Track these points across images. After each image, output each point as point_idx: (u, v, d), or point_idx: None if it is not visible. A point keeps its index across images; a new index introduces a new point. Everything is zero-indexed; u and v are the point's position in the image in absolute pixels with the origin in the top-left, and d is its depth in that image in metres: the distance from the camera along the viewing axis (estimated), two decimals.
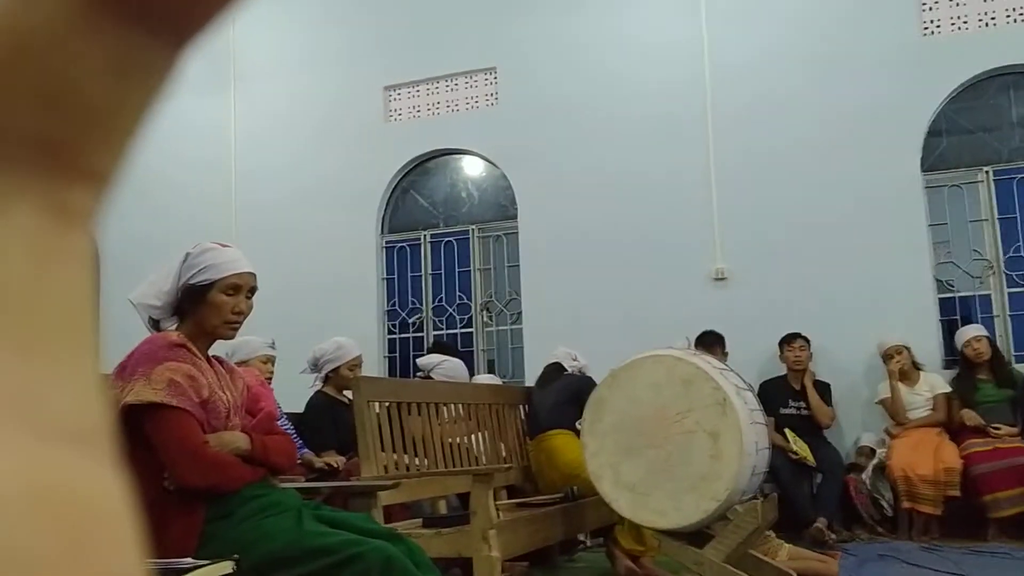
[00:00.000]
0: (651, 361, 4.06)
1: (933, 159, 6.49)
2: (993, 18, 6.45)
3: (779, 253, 6.52)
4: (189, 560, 2.11)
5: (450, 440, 4.32)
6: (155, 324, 2.48)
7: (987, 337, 5.93)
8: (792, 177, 6.59)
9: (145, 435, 2.23)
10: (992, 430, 5.62)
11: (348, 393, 4.24)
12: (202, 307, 2.46)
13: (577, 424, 4.27)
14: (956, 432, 5.77)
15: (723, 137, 6.80)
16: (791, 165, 6.61)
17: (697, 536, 3.90)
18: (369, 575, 2.11)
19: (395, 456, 3.72)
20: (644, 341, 4.32)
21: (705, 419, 3.86)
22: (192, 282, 2.42)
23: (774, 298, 6.43)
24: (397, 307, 7.92)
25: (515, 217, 7.48)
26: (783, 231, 6.54)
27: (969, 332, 5.99)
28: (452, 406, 4.48)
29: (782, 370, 6.25)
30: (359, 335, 5.49)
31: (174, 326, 2.47)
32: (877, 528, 5.61)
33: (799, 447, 5.77)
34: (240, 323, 2.52)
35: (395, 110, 8.02)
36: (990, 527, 5.40)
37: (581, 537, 5.20)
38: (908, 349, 6.05)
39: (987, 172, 6.43)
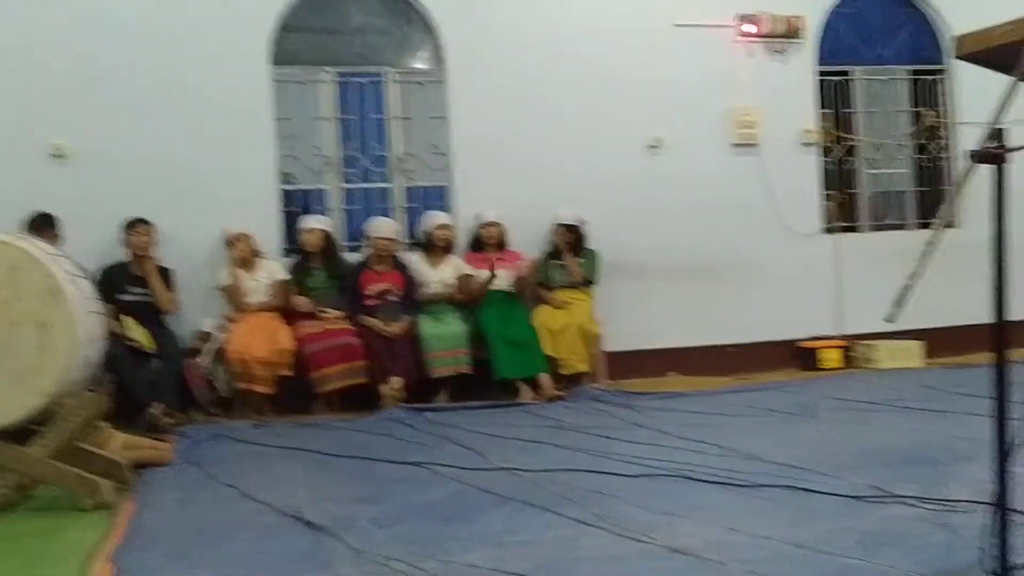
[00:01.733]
0: None
1: (283, 54, 6.69)
2: None
3: (125, 135, 6.17)
4: None
5: None
6: None
7: (322, 229, 6.41)
8: (174, 64, 6.25)
9: None
10: (322, 314, 6.14)
11: None
12: None
13: None
14: (291, 316, 6.19)
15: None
16: (177, 51, 6.28)
17: (22, 433, 3.68)
18: None
19: None
20: None
21: (33, 309, 3.65)
22: None
23: (117, 180, 6.10)
24: None
25: None
26: (130, 110, 6.20)
27: (307, 223, 6.42)
28: None
29: (124, 255, 6.02)
30: None
31: None
32: (212, 410, 5.81)
33: (137, 334, 5.66)
34: None
35: None
36: (317, 401, 5.95)
37: None
38: (251, 237, 6.27)
39: (330, 72, 6.84)
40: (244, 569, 2.77)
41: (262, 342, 5.83)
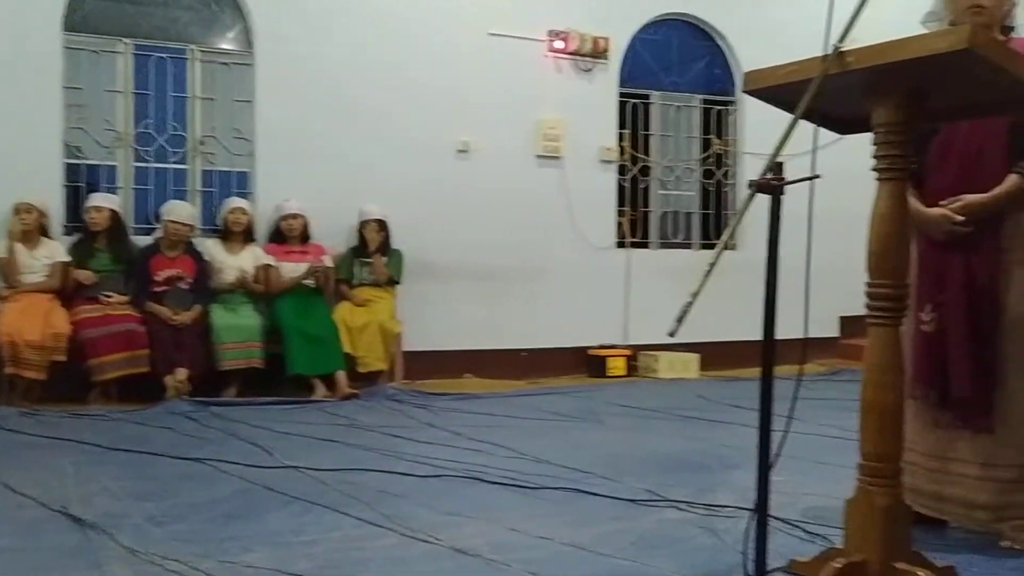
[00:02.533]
0: None
1: (76, 20, 6.27)
2: None
3: None
4: None
5: None
6: None
7: (110, 208, 6.05)
8: None
9: None
10: (104, 298, 5.80)
11: None
12: None
13: None
14: (69, 298, 5.81)
15: None
16: None
17: None
18: None
19: None
20: None
21: None
22: None
23: None
24: None
25: None
26: None
27: (94, 200, 6.04)
28: None
29: None
30: None
31: None
32: None
33: None
34: None
35: None
36: (93, 390, 5.61)
37: None
38: (41, 211, 5.85)
39: (128, 44, 6.47)
40: (3, 567, 2.58)
41: (35, 324, 5.43)
